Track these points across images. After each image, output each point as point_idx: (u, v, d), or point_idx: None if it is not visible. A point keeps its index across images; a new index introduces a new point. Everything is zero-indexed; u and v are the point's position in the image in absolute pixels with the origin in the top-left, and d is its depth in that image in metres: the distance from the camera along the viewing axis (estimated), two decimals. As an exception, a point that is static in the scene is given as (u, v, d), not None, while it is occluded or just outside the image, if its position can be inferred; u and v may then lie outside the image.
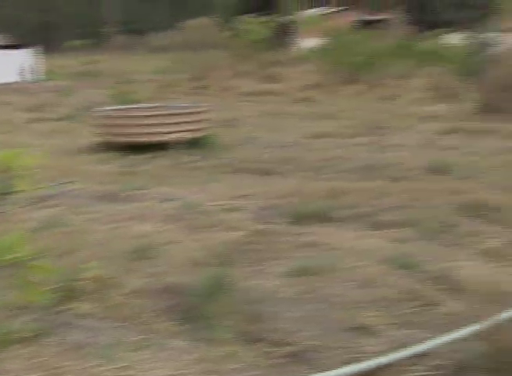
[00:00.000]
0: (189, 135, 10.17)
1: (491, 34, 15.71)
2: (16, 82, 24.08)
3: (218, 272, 4.32)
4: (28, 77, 25.38)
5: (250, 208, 6.59)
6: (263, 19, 23.26)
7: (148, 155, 9.64)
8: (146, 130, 10.11)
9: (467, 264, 4.82)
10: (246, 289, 4.34)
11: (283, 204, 6.65)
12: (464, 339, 3.59)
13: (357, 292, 4.35)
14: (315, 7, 29.28)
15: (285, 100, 17.41)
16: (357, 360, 3.46)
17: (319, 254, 5.07)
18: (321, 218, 6.11)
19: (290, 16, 26.74)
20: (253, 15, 23.43)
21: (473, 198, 6.54)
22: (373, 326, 3.87)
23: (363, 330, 3.83)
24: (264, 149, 10.22)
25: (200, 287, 4.12)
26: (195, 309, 3.97)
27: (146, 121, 10.28)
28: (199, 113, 10.77)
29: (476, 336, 3.53)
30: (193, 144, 10.04)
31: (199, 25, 26.48)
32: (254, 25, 22.75)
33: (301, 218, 6.08)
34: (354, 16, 27.77)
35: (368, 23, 25.45)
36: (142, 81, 21.30)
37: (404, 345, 3.57)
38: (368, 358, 3.46)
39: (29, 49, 26.49)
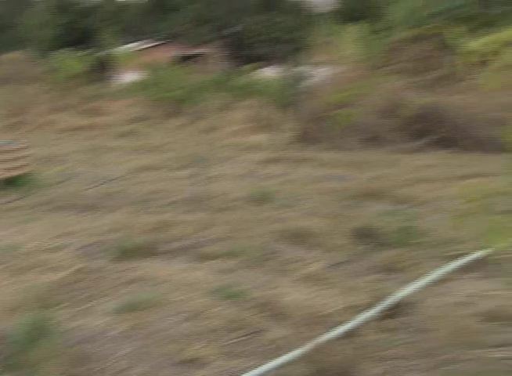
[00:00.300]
0: (5, 174, 9.76)
1: (304, 68, 16.48)
2: None
3: (38, 316, 4.17)
4: None
5: (74, 246, 6.42)
6: (79, 53, 22.94)
7: (-38, 196, 9.14)
8: (-42, 170, 9.58)
9: (291, 290, 4.99)
10: (71, 330, 4.23)
11: (108, 239, 6.55)
12: (290, 363, 3.70)
13: (185, 325, 4.37)
14: (133, 41, 29.30)
15: (108, 134, 17.21)
16: (187, 394, 3.47)
17: (146, 289, 5.04)
18: (147, 252, 6.08)
19: (109, 51, 26.57)
20: (70, 49, 23.04)
21: (293, 225, 6.79)
22: (203, 357, 3.90)
23: (193, 362, 3.85)
24: (87, 184, 10.02)
25: (20, 333, 3.96)
26: (15, 356, 3.80)
27: (-42, 161, 9.74)
28: (15, 150, 10.37)
29: (300, 359, 3.66)
30: (11, 183, 9.65)
31: (13, 59, 25.62)
32: (70, 60, 22.38)
33: (128, 254, 6.02)
34: (173, 51, 28.08)
35: (187, 58, 25.80)
36: (-47, 118, 20.22)
37: (233, 375, 3.62)
38: (198, 390, 3.49)
39: None
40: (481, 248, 5.16)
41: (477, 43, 3.69)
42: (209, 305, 4.65)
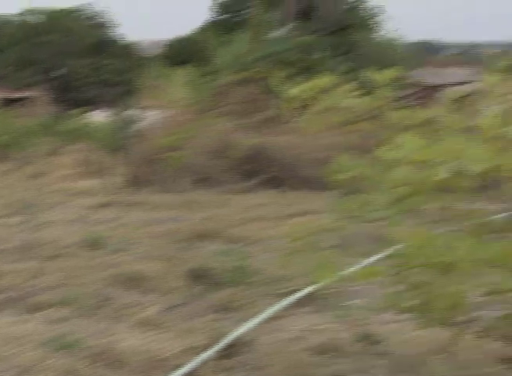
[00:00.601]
0: None
1: (134, 111, 16.47)
2: None
3: None
4: None
5: None
6: None
7: None
8: None
9: (126, 336, 4.93)
10: None
11: None
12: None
13: (16, 381, 4.19)
14: None
15: None
16: None
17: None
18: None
19: None
20: None
21: (128, 270, 6.72)
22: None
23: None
24: None
25: None
26: None
27: None
28: None
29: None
30: None
31: None
32: None
33: None
34: (-5, 94, 27.07)
35: (11, 101, 24.96)
36: None
37: None
38: None
39: None
40: (310, 284, 5.37)
41: (296, 89, 3.87)
42: (42, 357, 4.49)
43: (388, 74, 3.95)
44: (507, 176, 2.90)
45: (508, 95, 3.91)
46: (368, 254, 5.77)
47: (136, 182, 12.97)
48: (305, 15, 26.75)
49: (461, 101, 4.64)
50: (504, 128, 3.00)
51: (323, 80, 3.93)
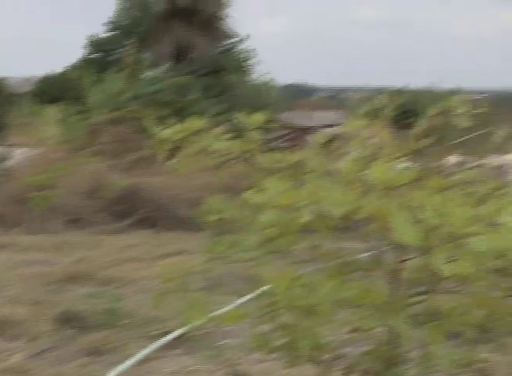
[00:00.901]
0: None
1: (1, 149, 15.98)
2: None
3: None
4: None
5: None
6: None
7: None
8: None
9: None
10: None
11: None
12: None
13: None
14: None
15: None
16: None
17: None
18: None
19: None
20: None
21: (-7, 315, 6.48)
22: None
23: None
24: None
25: None
26: None
27: None
28: None
29: None
30: None
31: None
32: None
33: None
34: None
35: None
36: None
37: None
38: None
39: None
40: (181, 325, 5.38)
41: (169, 131, 3.93)
42: None
43: (258, 116, 4.06)
44: (366, 218, 3.05)
45: (369, 139, 4.12)
46: (238, 295, 5.85)
47: (3, 222, 12.53)
48: (179, 56, 27.04)
49: (328, 144, 4.83)
50: (363, 171, 3.15)
51: (196, 123, 3.99)
